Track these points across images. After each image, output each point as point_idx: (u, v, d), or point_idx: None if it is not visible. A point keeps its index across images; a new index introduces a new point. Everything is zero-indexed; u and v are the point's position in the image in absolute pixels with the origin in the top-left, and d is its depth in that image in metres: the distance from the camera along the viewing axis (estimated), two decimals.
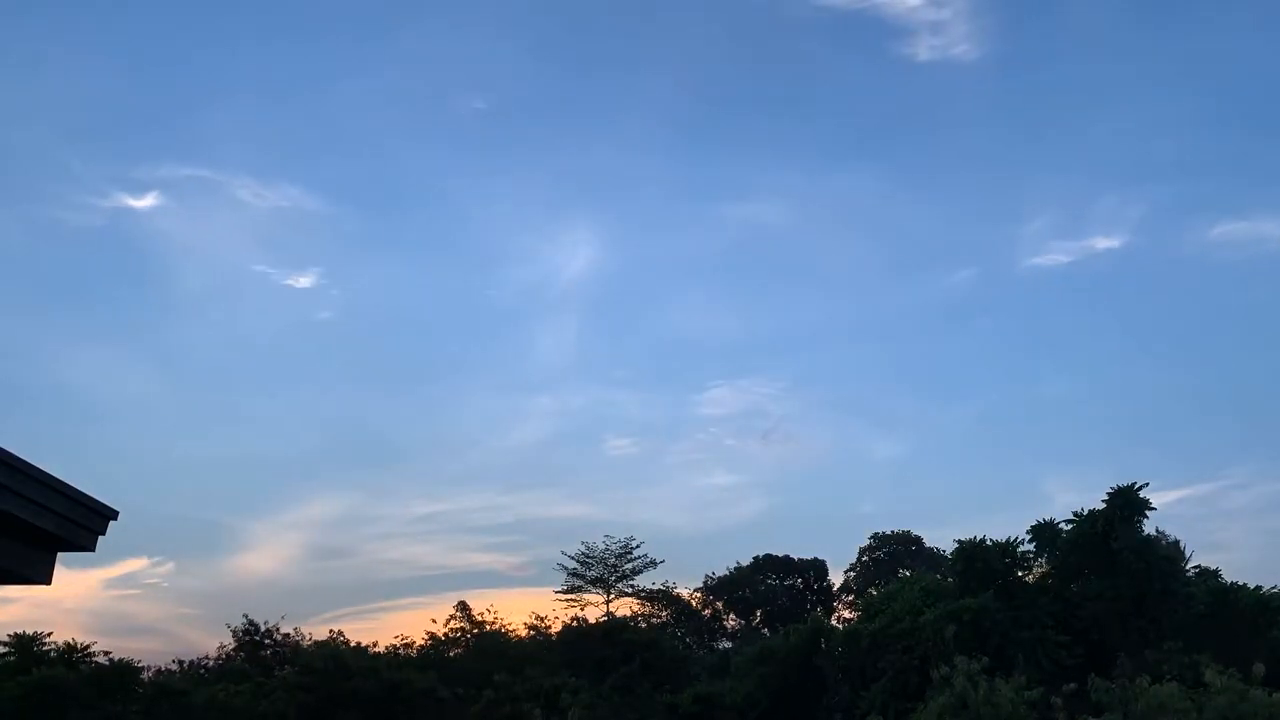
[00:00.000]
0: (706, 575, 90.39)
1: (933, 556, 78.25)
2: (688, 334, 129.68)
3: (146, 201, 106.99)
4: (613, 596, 72.48)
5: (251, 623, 63.14)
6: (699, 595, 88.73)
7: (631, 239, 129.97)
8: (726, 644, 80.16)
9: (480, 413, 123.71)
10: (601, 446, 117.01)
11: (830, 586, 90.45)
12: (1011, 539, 45.36)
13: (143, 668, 54.97)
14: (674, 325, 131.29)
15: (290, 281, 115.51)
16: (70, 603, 76.09)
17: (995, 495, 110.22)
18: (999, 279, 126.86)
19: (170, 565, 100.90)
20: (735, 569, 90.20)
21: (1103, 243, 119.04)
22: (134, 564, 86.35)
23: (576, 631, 61.23)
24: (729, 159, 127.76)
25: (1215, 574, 45.90)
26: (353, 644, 55.91)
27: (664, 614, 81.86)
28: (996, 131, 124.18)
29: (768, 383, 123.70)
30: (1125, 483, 42.98)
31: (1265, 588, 43.46)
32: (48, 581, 6.13)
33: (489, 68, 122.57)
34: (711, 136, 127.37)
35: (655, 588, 78.61)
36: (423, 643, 64.62)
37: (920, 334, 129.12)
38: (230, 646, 62.95)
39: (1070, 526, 44.37)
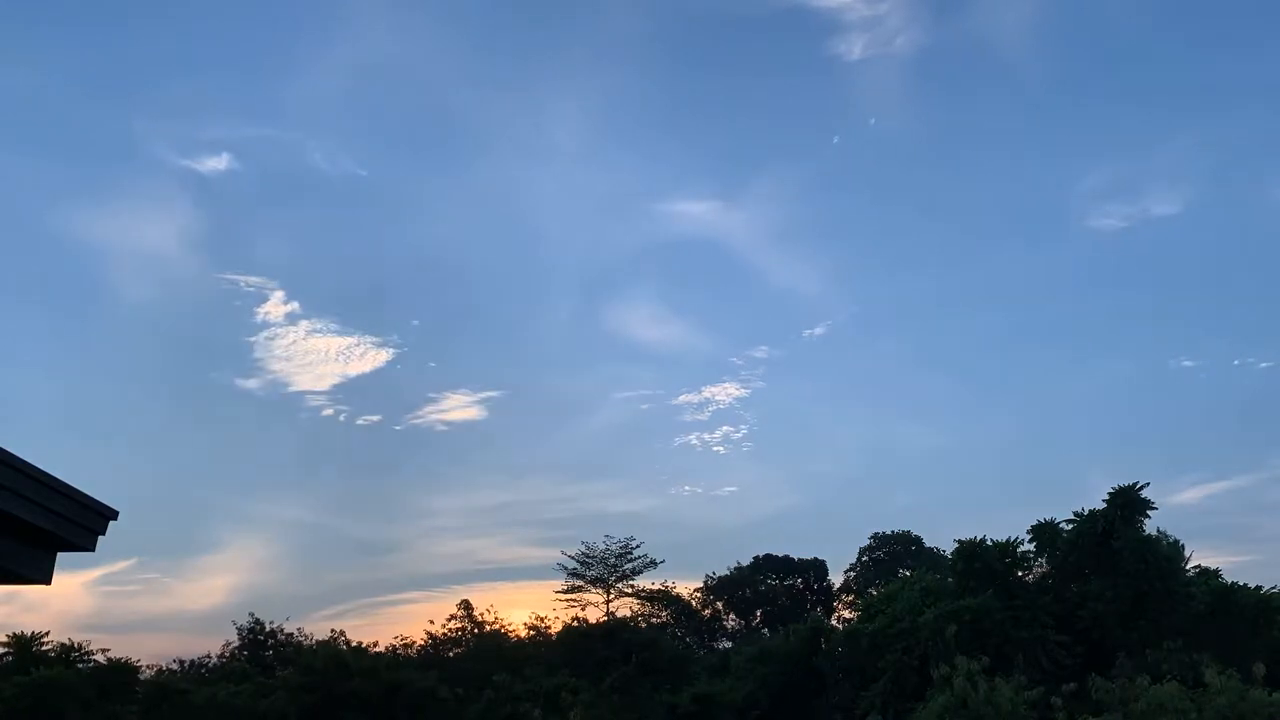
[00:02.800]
0: (706, 575, 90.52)
1: (933, 556, 78.20)
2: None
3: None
4: (613, 596, 72.46)
5: (257, 621, 63.27)
6: (699, 595, 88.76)
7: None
8: (726, 644, 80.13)
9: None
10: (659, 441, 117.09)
11: (830, 586, 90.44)
12: (1011, 539, 45.42)
13: (140, 667, 54.99)
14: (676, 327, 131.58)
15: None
16: (59, 603, 76.25)
17: (1035, 490, 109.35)
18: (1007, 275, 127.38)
19: (161, 564, 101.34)
20: (735, 569, 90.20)
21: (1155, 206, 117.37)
22: (123, 563, 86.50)
23: (576, 631, 61.19)
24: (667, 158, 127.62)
25: (1215, 574, 45.89)
26: (353, 644, 55.93)
27: (664, 614, 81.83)
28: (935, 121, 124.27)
29: (793, 380, 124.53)
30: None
31: (1265, 588, 43.51)
32: (48, 581, 6.13)
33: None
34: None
35: (655, 588, 78.63)
36: (422, 643, 64.68)
37: (939, 327, 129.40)
38: (234, 645, 63.07)
39: (1070, 526, 44.38)
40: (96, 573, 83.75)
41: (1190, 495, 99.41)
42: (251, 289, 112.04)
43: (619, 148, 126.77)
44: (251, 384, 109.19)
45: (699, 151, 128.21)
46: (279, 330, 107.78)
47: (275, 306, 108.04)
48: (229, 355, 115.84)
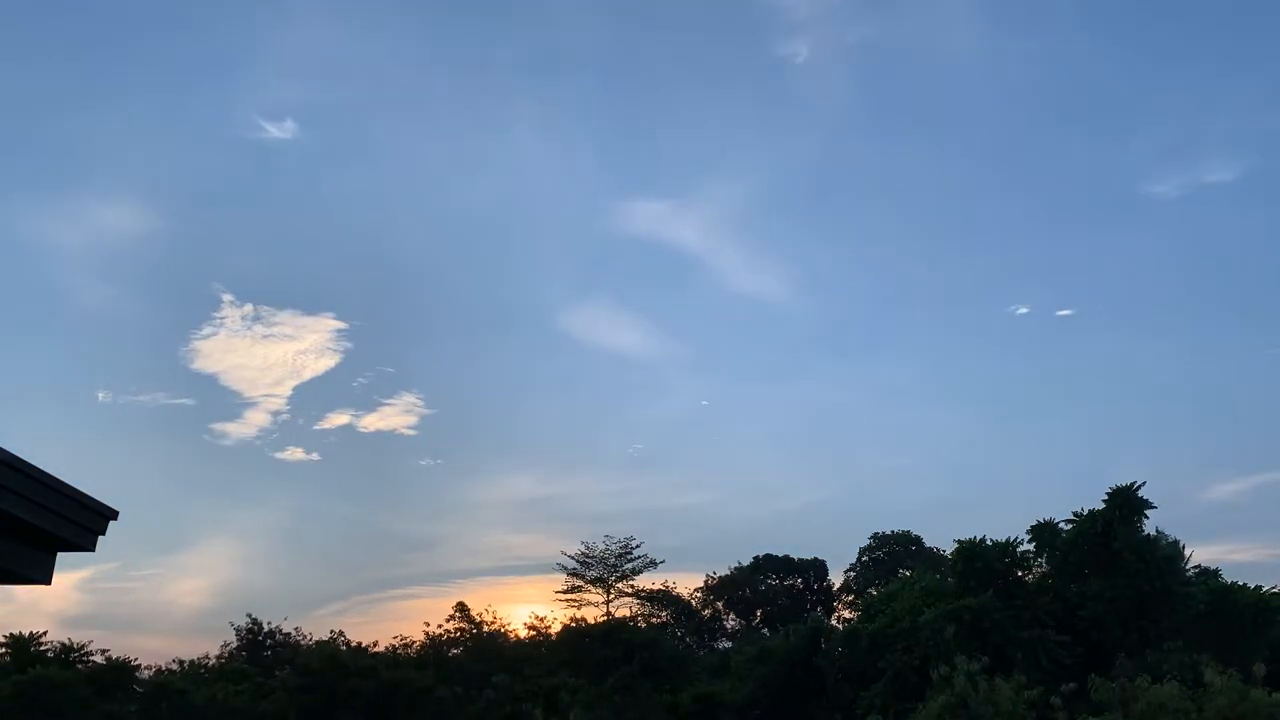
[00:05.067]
0: (707, 575, 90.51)
1: (933, 556, 78.18)
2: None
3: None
4: (612, 596, 72.41)
5: (255, 621, 63.29)
6: (699, 595, 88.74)
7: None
8: (726, 644, 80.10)
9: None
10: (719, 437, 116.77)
11: (830, 586, 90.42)
12: (1011, 539, 45.41)
13: (139, 666, 55.01)
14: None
15: None
16: (51, 602, 76.14)
17: (1052, 489, 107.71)
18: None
19: (152, 563, 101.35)
20: (735, 569, 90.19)
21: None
22: (113, 563, 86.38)
23: (576, 631, 61.12)
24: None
25: (1215, 574, 45.91)
26: (353, 644, 55.93)
27: (664, 614, 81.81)
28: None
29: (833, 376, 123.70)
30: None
31: (1265, 587, 43.50)
32: (48, 581, 6.09)
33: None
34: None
35: (655, 587, 78.63)
36: (422, 643, 64.65)
37: (941, 322, 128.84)
38: (233, 645, 63.09)
39: (1070, 526, 44.37)
40: (86, 571, 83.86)
41: (1225, 490, 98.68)
42: (210, 290, 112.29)
43: (579, 150, 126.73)
44: (224, 383, 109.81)
45: (659, 153, 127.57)
46: (240, 332, 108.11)
47: (231, 310, 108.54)
48: (197, 356, 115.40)
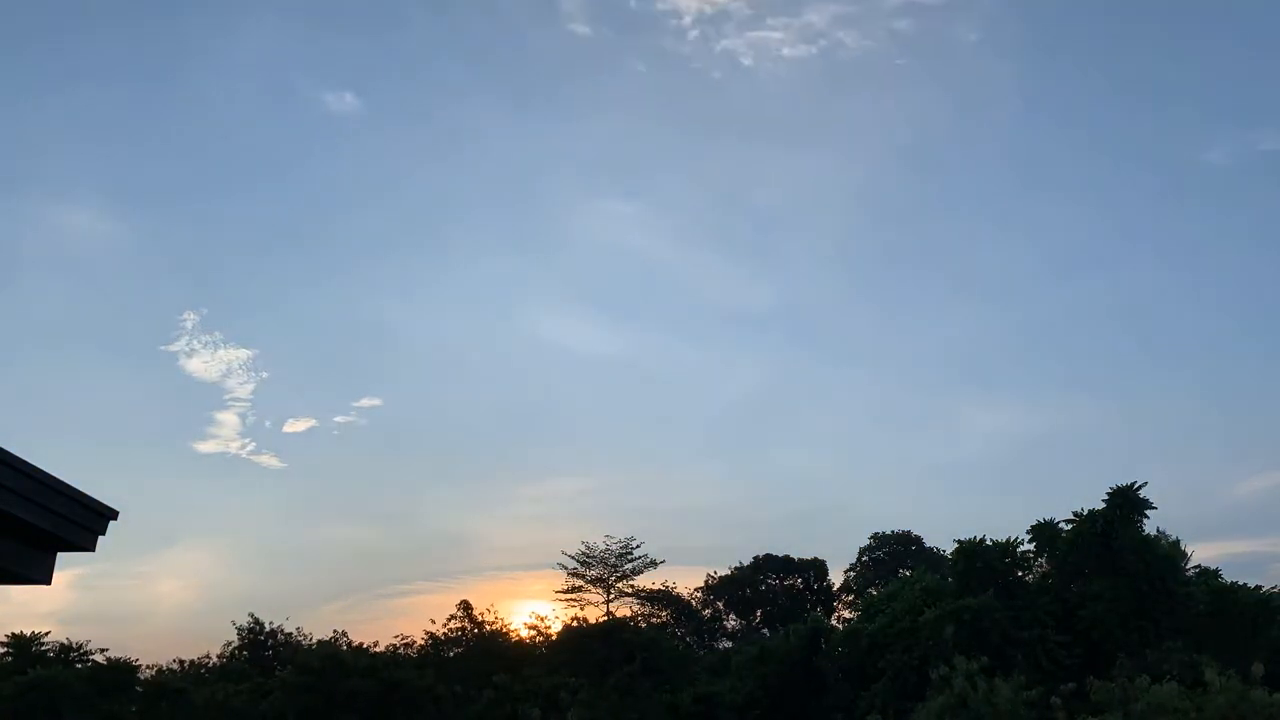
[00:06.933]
0: (707, 575, 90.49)
1: (933, 556, 78.15)
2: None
3: None
4: (613, 596, 72.39)
5: (256, 621, 63.30)
6: (699, 595, 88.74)
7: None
8: (726, 644, 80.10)
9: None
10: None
11: (830, 586, 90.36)
12: (1011, 539, 45.42)
13: (140, 666, 55.01)
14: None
15: None
16: (46, 602, 76.13)
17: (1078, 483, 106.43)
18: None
19: (146, 561, 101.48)
20: (735, 569, 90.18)
21: None
22: (105, 564, 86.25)
23: (576, 631, 61.11)
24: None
25: (1215, 574, 45.89)
26: (353, 644, 55.94)
27: (664, 614, 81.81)
28: None
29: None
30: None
31: (1265, 587, 43.54)
32: (48, 581, 6.10)
33: None
34: None
35: (655, 587, 78.63)
36: (422, 642, 64.66)
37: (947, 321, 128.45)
38: (234, 645, 63.07)
39: (1070, 526, 44.37)
40: (81, 570, 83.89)
41: (1256, 485, 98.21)
42: (173, 291, 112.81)
43: (561, 150, 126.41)
44: (202, 385, 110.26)
45: (636, 156, 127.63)
46: (202, 337, 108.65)
47: (192, 315, 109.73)
48: (174, 358, 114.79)
